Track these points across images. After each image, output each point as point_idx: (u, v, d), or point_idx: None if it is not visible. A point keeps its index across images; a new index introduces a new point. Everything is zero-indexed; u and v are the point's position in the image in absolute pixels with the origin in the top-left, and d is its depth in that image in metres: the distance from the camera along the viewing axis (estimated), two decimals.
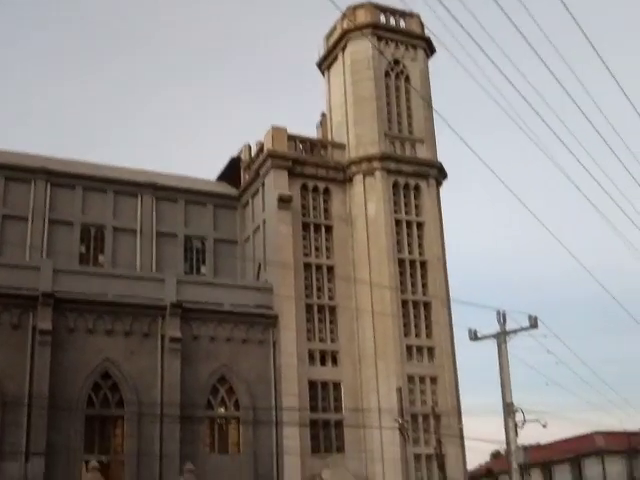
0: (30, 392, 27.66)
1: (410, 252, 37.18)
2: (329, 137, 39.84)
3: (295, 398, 32.28)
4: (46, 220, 34.98)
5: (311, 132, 40.22)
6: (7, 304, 28.71)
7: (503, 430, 28.32)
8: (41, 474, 26.95)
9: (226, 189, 40.27)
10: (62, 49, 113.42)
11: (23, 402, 27.26)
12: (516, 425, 27.90)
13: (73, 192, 36.15)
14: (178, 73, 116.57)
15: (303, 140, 38.14)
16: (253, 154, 39.56)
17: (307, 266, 35.67)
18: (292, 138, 37.52)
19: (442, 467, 29.72)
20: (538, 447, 52.90)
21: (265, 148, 37.13)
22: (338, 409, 33.98)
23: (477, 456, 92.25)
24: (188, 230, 38.14)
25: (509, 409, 28.06)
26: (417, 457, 33.37)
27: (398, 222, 37.18)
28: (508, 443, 28.56)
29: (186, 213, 38.31)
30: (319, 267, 36.06)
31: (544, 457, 53.55)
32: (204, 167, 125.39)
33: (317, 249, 36.32)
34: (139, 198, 37.36)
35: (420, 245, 37.48)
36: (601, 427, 47.04)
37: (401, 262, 36.71)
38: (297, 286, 34.53)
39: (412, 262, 37.09)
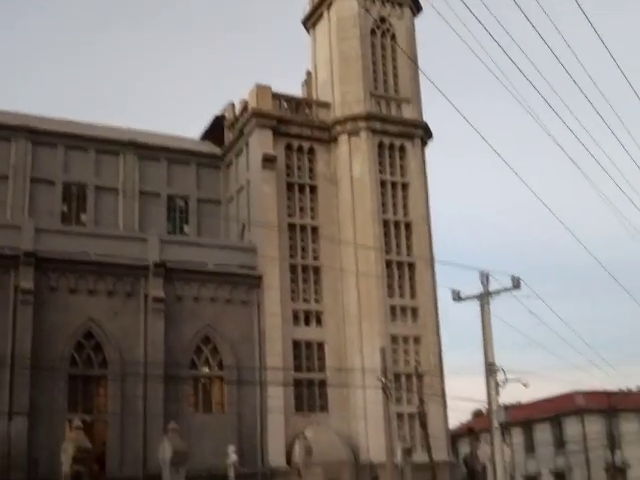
0: (13, 352, 27.74)
1: (395, 213, 37.27)
2: (314, 96, 39.60)
3: (279, 358, 32.57)
4: (27, 179, 34.75)
5: (296, 91, 39.98)
6: None
7: (484, 389, 28.81)
8: (25, 433, 27.19)
9: (210, 148, 40.05)
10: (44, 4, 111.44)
11: (6, 362, 27.34)
12: (497, 384, 28.29)
13: (55, 150, 35.83)
14: (162, 31, 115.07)
15: (288, 99, 37.88)
16: (237, 113, 39.26)
17: (291, 226, 35.70)
18: (277, 97, 37.26)
19: (424, 425, 30.22)
20: (519, 406, 53.78)
21: (249, 107, 36.88)
22: (322, 369, 34.35)
23: (459, 415, 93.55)
24: (171, 189, 37.97)
25: (491, 369, 28.40)
26: (400, 416, 33.90)
27: (383, 183, 37.20)
28: (489, 402, 28.96)
29: (169, 172, 38.09)
30: (303, 227, 36.10)
31: (525, 416, 54.45)
32: (188, 126, 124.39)
33: (301, 209, 36.33)
34: (121, 157, 37.10)
35: (405, 206, 37.57)
36: (581, 387, 47.77)
37: (386, 223, 36.82)
38: (281, 246, 34.59)
39: (397, 223, 37.21)
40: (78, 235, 31.04)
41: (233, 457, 27.61)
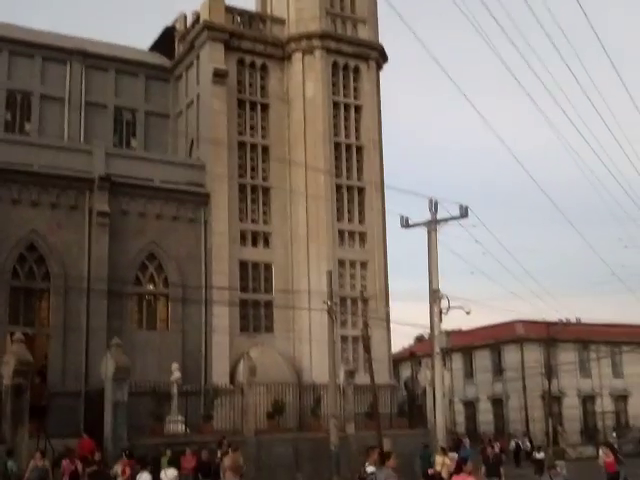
0: None
1: (347, 136, 37.37)
2: (269, 11, 38.92)
3: (225, 277, 32.85)
4: None
5: (250, 5, 39.27)
6: None
7: (428, 315, 29.66)
8: None
9: (159, 60, 39.30)
10: None
11: None
12: (441, 311, 29.19)
13: None
14: None
15: (241, 13, 37.22)
16: (189, 25, 38.46)
17: (241, 145, 35.52)
18: (230, 10, 36.58)
19: (367, 349, 30.99)
20: (460, 333, 55.50)
21: (201, 19, 36.15)
22: (268, 290, 34.78)
23: (402, 339, 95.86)
24: (118, 101, 37.29)
25: (435, 295, 29.26)
26: (344, 339, 34.74)
27: (336, 104, 37.13)
28: (432, 328, 29.94)
29: (117, 83, 37.34)
30: (254, 146, 35.95)
31: (466, 343, 56.26)
32: (137, 37, 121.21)
33: (252, 128, 36.12)
34: (68, 65, 36.15)
35: (357, 129, 37.67)
36: (522, 316, 49.32)
37: (337, 145, 36.93)
38: (230, 165, 34.47)
39: (348, 146, 37.34)
40: (21, 145, 30.44)
41: (177, 375, 28.11)
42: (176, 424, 27.56)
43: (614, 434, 50.29)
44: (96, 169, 30.85)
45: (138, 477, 18.85)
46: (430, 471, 25.18)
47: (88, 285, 29.44)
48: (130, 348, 28.10)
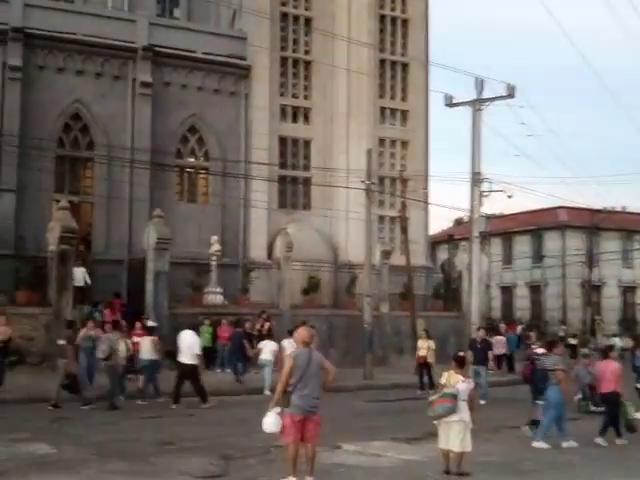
0: (1, 129, 29.35)
1: (393, 9, 38.03)
2: None
3: (265, 153, 34.46)
4: None
5: None
6: None
7: (468, 198, 31.22)
8: (12, 210, 29.38)
9: None
10: None
11: None
12: (481, 194, 30.83)
13: None
14: None
15: None
16: None
17: (284, 16, 36.36)
18: None
19: (405, 229, 32.86)
20: (500, 217, 57.07)
21: None
22: (307, 167, 36.44)
23: (440, 222, 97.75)
24: None
25: (476, 178, 30.88)
26: (381, 219, 36.61)
27: None
28: (472, 211, 31.71)
29: None
30: (296, 18, 36.76)
31: (506, 228, 57.89)
32: None
33: None
34: None
35: (403, 1, 38.16)
36: (566, 203, 50.41)
37: (382, 18, 37.63)
38: (272, 37, 35.43)
39: (393, 19, 38.02)
40: (66, 12, 31.68)
41: (216, 247, 30.36)
42: (214, 295, 29.77)
43: None
44: (139, 39, 32.21)
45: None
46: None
47: (131, 155, 31.28)
48: (171, 220, 30.08)
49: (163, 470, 11.90)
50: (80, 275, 26.73)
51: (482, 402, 19.47)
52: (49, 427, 15.73)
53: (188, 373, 19.60)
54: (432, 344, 24.66)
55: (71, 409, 18.17)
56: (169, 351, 21.22)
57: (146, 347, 20.58)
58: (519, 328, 41.00)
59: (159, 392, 20.38)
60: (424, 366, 24.41)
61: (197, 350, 19.67)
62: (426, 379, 24.11)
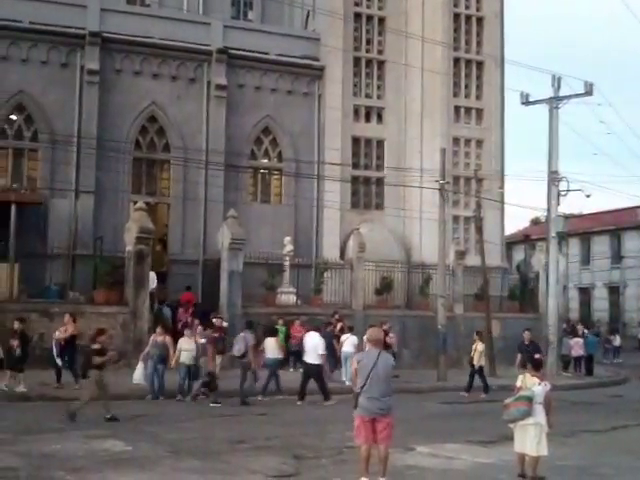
0: (79, 132, 30.05)
1: (467, 7, 37.62)
2: None
3: (338, 153, 34.51)
4: None
5: None
6: (55, 42, 30.27)
7: (545, 198, 30.71)
8: (90, 211, 30.04)
9: None
10: None
11: (72, 141, 29.78)
12: (559, 193, 30.29)
13: None
14: None
15: None
16: None
17: (357, 16, 36.32)
18: None
19: (479, 230, 32.42)
20: (578, 217, 55.98)
21: None
22: (380, 167, 36.33)
23: (516, 222, 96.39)
24: None
25: (553, 177, 30.37)
26: (455, 219, 36.15)
27: None
28: (549, 210, 31.21)
29: None
30: (370, 18, 36.67)
31: (584, 227, 56.78)
32: None
33: None
34: None
35: None
36: None
37: (456, 17, 37.29)
38: (345, 37, 35.45)
39: (468, 17, 37.63)
40: (143, 16, 32.31)
41: (289, 247, 30.51)
42: (287, 295, 29.92)
43: None
44: (214, 41, 32.54)
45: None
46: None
47: (206, 157, 31.73)
48: (245, 220, 30.37)
49: (236, 469, 11.95)
50: (150, 282, 27.15)
51: None
52: (125, 424, 15.97)
53: (313, 372, 20.45)
54: (480, 346, 24.21)
55: (148, 406, 18.46)
56: (296, 352, 22.82)
57: (271, 346, 21.48)
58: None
59: (280, 389, 21.26)
60: (476, 369, 24.10)
61: (321, 350, 20.45)
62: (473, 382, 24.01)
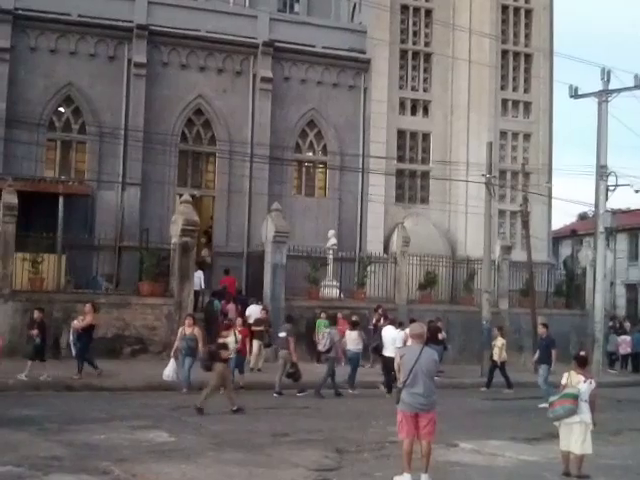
0: (126, 124, 30.37)
1: None
2: None
3: (383, 146, 34.39)
4: None
5: None
6: (102, 35, 30.68)
7: (593, 193, 30.32)
8: (137, 204, 30.39)
9: None
10: None
11: (120, 134, 30.13)
12: (607, 188, 29.86)
13: None
14: None
15: None
16: None
17: (404, 8, 36.09)
18: None
19: (526, 224, 32.09)
20: (627, 212, 55.07)
21: None
22: (425, 160, 36.11)
23: (563, 217, 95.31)
24: None
25: (602, 172, 29.94)
26: (502, 213, 35.82)
27: None
28: (597, 206, 30.79)
29: None
30: (416, 10, 36.43)
31: (632, 223, 55.83)
32: None
33: None
34: None
35: None
36: None
37: (504, 9, 36.95)
38: (392, 30, 35.28)
39: (516, 9, 37.27)
40: (189, 9, 32.39)
41: (333, 241, 30.51)
42: (331, 289, 29.96)
43: None
44: (260, 34, 32.63)
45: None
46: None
47: (251, 150, 31.88)
48: (289, 213, 30.56)
49: (278, 461, 12.00)
50: (197, 280, 27.30)
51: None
52: (169, 415, 16.14)
53: (392, 365, 20.46)
54: (500, 342, 24.17)
55: (191, 397, 18.62)
56: (376, 346, 22.90)
57: (352, 339, 21.73)
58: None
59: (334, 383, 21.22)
60: (496, 365, 24.07)
61: (399, 343, 20.35)
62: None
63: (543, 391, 20.25)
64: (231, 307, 26.01)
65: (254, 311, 25.26)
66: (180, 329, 20.66)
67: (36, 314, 20.40)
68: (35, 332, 19.82)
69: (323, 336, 21.62)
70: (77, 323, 20.86)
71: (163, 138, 30.17)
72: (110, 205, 30.18)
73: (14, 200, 24.02)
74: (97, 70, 30.75)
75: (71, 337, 21.02)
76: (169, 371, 19.86)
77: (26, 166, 28.66)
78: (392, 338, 21.07)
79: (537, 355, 22.01)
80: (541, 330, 22.84)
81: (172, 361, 20.01)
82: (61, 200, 26.37)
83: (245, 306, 26.10)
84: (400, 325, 24.25)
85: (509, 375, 24.06)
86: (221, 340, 17.28)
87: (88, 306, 21.11)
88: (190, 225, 26.36)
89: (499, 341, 24.08)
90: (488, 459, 12.81)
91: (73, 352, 20.82)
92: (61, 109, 30.67)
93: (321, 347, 21.31)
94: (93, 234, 28.79)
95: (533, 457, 13.08)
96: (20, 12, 29.67)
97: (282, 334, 20.77)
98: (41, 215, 26.00)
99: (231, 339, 19.81)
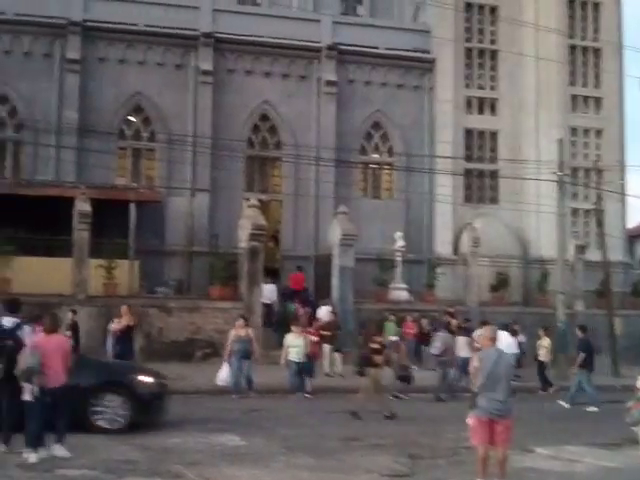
0: (194, 132, 30.73)
1: None
2: None
3: (449, 146, 33.97)
4: None
5: None
6: (169, 44, 31.10)
7: None
8: (206, 209, 30.72)
9: None
10: None
11: (188, 141, 30.43)
12: None
13: None
14: None
15: None
16: None
17: (468, 6, 35.64)
18: None
19: (600, 223, 31.34)
20: None
21: None
22: (494, 159, 35.56)
23: (638, 215, 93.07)
24: None
25: None
26: (574, 212, 34.96)
27: None
28: None
29: None
30: (481, 7, 35.96)
31: None
32: None
33: None
34: None
35: None
36: None
37: (571, 3, 36.27)
38: (456, 28, 34.88)
39: (584, 3, 36.54)
40: (254, 16, 32.70)
41: (400, 243, 30.32)
42: (399, 291, 29.79)
43: None
44: (324, 38, 32.64)
45: None
46: None
47: (317, 153, 31.78)
48: (356, 216, 30.34)
49: (350, 467, 11.89)
50: (268, 293, 27.30)
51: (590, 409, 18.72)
52: (241, 419, 16.18)
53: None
54: (545, 342, 23.98)
55: (263, 401, 18.65)
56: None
57: (462, 344, 21.65)
58: None
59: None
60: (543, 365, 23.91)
61: (514, 349, 20.58)
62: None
63: (588, 396, 20.27)
64: (306, 310, 26.06)
65: (324, 313, 25.23)
66: (232, 332, 20.18)
67: (69, 316, 20.58)
68: (69, 334, 19.36)
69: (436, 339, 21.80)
70: (115, 326, 20.40)
71: (230, 144, 30.31)
72: (180, 211, 30.59)
73: (88, 208, 24.70)
74: (165, 79, 31.19)
75: (109, 341, 20.85)
76: (223, 376, 19.78)
77: (98, 174, 29.12)
78: (507, 344, 19.86)
79: (580, 358, 21.22)
80: (578, 333, 22.30)
81: (226, 365, 19.84)
82: (133, 207, 26.84)
83: (314, 308, 26.11)
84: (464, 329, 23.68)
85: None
86: (373, 345, 17.36)
87: (124, 307, 20.53)
88: (258, 229, 26.63)
89: (545, 341, 23.84)
90: (566, 465, 12.48)
91: (111, 355, 20.36)
92: (131, 118, 31.17)
93: (435, 350, 21.44)
94: (164, 240, 29.21)
95: (613, 463, 12.69)
96: (89, 24, 30.30)
97: (394, 338, 21.17)
98: (114, 222, 26.55)
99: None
